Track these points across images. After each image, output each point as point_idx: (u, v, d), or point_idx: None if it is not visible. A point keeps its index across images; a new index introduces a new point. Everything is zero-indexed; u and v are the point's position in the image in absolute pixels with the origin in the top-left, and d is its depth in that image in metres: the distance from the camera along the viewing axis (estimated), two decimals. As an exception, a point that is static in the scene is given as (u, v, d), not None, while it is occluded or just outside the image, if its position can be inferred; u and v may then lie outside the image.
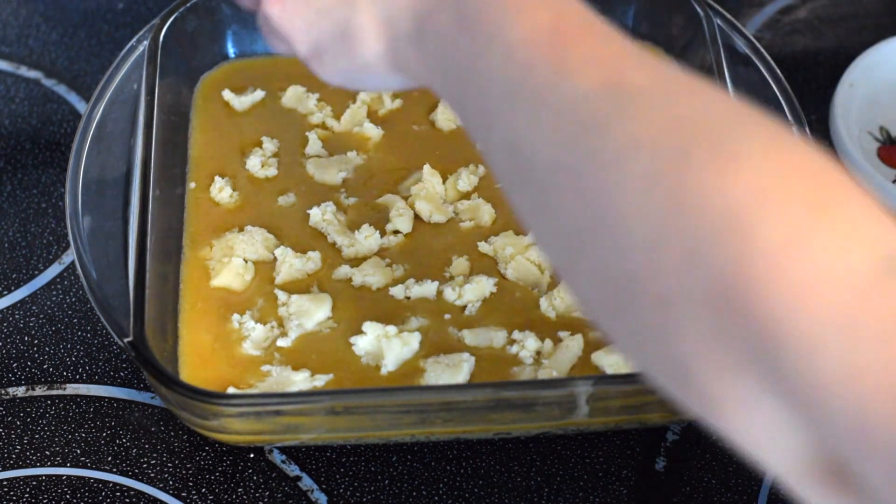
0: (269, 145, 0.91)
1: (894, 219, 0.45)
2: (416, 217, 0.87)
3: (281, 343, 0.81)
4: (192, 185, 0.89)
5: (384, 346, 0.80)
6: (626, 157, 0.48)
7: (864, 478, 0.43)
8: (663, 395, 0.49)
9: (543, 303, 0.82)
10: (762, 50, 0.90)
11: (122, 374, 0.84)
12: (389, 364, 0.80)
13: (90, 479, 0.79)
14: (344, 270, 0.84)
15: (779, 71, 0.89)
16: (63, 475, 0.80)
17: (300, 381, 0.79)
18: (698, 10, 0.90)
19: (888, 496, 0.42)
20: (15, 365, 0.85)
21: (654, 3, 0.95)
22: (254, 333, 0.81)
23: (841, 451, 0.44)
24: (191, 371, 0.80)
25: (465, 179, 0.88)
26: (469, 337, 0.81)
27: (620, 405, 0.78)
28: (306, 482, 0.79)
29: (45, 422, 0.82)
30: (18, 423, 0.82)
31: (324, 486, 0.79)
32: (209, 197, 0.88)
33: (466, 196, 0.88)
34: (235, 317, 0.82)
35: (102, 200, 0.85)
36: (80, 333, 0.86)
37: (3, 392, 0.83)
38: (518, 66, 0.54)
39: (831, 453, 0.45)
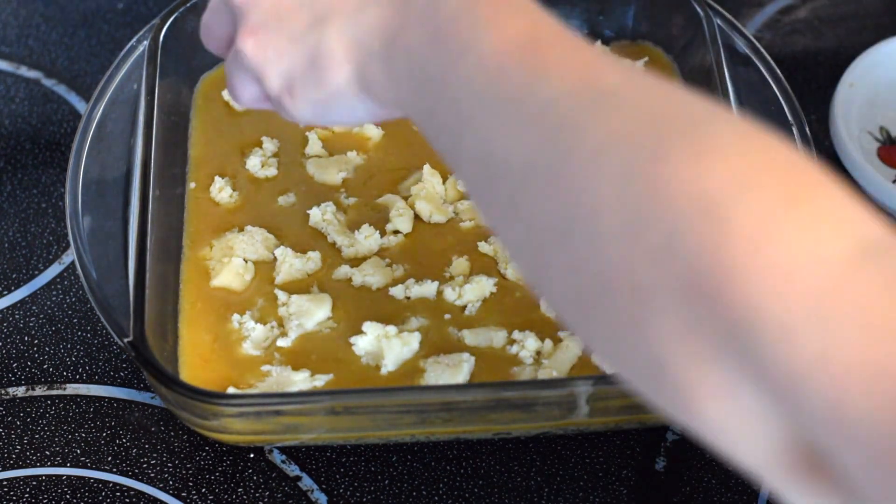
0: (269, 145, 0.91)
1: (874, 212, 0.46)
2: (416, 217, 0.87)
3: (281, 343, 0.81)
4: (192, 185, 0.89)
5: (384, 346, 0.80)
6: (603, 152, 0.49)
7: (840, 465, 0.43)
8: (637, 396, 0.50)
9: (543, 303, 0.82)
10: (762, 50, 0.90)
11: (122, 374, 0.84)
12: (389, 364, 0.80)
13: (90, 479, 0.79)
14: (344, 270, 0.84)
15: (779, 71, 0.89)
16: (63, 475, 0.80)
17: (300, 381, 0.79)
18: (698, 10, 0.90)
19: (864, 482, 0.43)
20: (15, 365, 0.85)
21: (654, 3, 0.95)
22: (254, 333, 0.81)
23: (817, 439, 0.44)
24: (191, 371, 0.80)
25: (465, 179, 0.88)
26: (469, 337, 0.81)
27: (620, 405, 0.77)
28: (306, 482, 0.79)
29: (45, 422, 0.82)
30: (18, 423, 0.82)
31: (324, 486, 0.79)
32: (209, 197, 0.88)
33: (466, 196, 0.88)
34: (235, 317, 0.82)
35: (102, 200, 0.85)
36: (80, 333, 0.86)
37: (3, 392, 0.83)
38: (491, 72, 0.54)
39: (808, 442, 0.45)
